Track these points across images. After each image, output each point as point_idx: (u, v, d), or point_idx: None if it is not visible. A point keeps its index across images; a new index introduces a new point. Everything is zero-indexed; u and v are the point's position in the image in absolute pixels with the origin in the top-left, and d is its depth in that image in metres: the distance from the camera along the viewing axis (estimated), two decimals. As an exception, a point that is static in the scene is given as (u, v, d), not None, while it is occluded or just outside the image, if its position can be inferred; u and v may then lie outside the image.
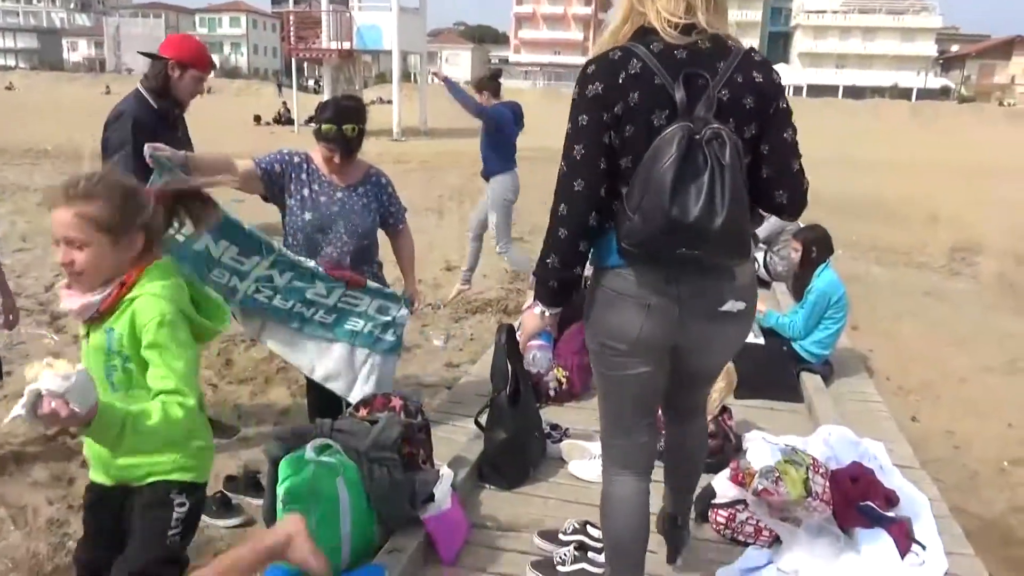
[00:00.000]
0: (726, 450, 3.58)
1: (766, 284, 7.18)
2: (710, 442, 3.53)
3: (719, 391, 3.65)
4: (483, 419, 3.41)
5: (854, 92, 70.04)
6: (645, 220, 1.81)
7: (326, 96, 26.87)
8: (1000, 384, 5.35)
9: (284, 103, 32.56)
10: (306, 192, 3.23)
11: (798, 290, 4.71)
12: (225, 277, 3.04)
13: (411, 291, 3.53)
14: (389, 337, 3.36)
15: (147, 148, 2.69)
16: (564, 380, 4.20)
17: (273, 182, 3.22)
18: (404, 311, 3.39)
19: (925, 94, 70.68)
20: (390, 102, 28.30)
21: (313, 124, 3.23)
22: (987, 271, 9.28)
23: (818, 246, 4.62)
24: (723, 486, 3.03)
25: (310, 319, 3.23)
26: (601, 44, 1.96)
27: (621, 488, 2.20)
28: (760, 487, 2.90)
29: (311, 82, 52.45)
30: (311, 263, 3.16)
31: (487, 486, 3.28)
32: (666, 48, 1.86)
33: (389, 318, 3.34)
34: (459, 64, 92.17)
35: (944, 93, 72.61)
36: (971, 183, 18.44)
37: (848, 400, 4.36)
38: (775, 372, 4.48)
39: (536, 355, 2.28)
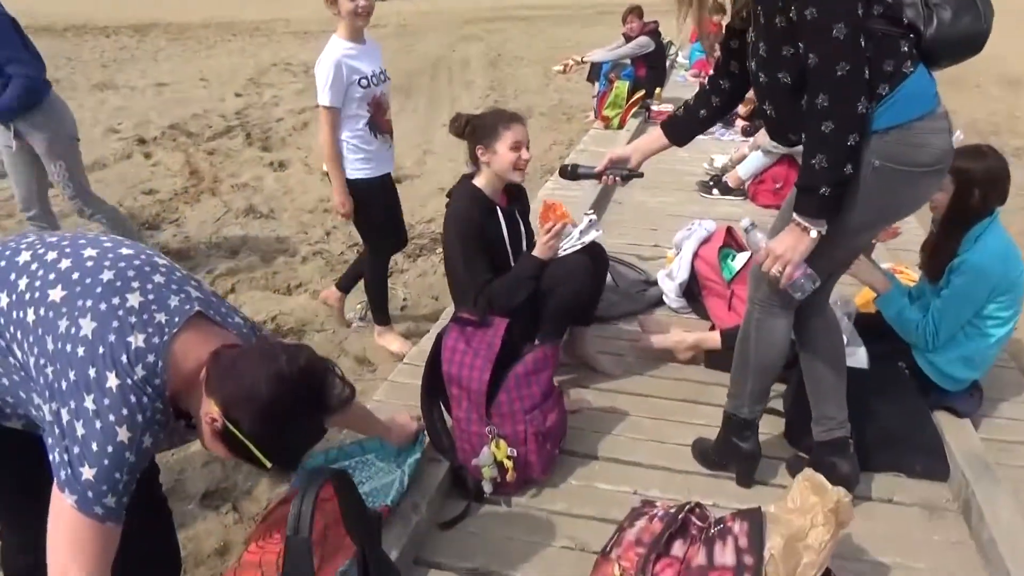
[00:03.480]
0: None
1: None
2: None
3: (816, 549, 1.72)
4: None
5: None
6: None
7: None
8: None
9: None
10: None
11: (934, 263, 2.66)
12: None
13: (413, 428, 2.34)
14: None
15: None
16: (509, 465, 2.26)
17: None
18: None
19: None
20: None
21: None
22: (1113, 158, 7.03)
23: (987, 187, 2.52)
24: None
25: None
26: None
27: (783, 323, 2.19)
28: None
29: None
30: None
31: None
32: None
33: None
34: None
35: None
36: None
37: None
38: (894, 418, 2.52)
39: (802, 281, 1.94)
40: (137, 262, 1.44)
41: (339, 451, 2.28)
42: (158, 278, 1.43)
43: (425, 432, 2.34)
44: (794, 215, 1.87)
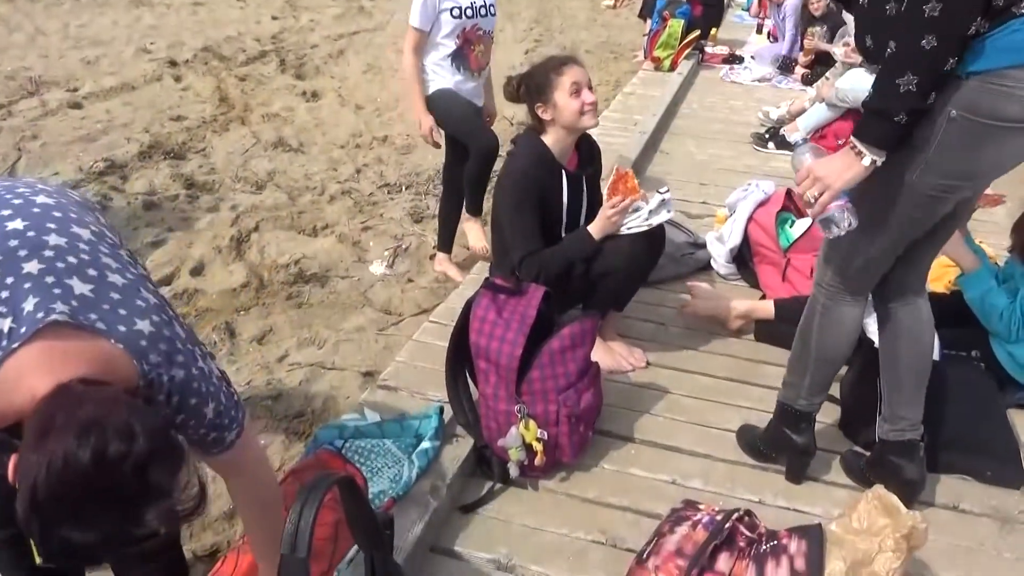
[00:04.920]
0: None
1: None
2: None
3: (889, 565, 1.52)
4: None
5: None
6: None
7: None
8: None
9: None
10: None
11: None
12: None
13: None
14: None
15: None
16: (539, 448, 2.07)
17: None
18: None
19: None
20: None
21: None
22: None
23: None
24: None
25: None
26: None
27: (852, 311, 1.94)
28: None
29: None
30: None
31: None
32: None
33: None
34: None
35: None
36: None
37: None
38: (965, 416, 2.28)
39: (836, 216, 1.64)
40: (14, 243, 1.14)
41: (355, 429, 2.11)
42: (32, 267, 1.12)
43: (443, 416, 2.17)
44: (852, 138, 1.59)
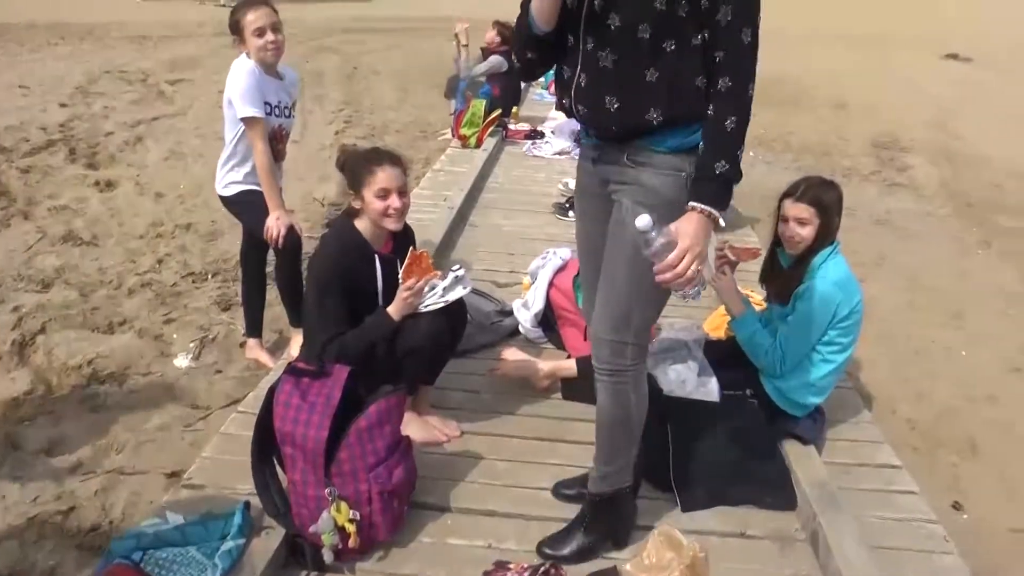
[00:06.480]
0: None
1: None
2: None
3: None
4: None
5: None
6: None
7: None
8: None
9: None
10: None
11: (785, 290, 2.69)
12: None
13: None
14: None
15: None
16: (352, 530, 2.06)
17: None
18: None
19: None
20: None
21: None
22: (926, 178, 7.69)
23: (840, 214, 2.63)
24: None
25: None
26: None
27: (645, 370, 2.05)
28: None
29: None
30: None
31: None
32: None
33: None
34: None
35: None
36: (868, 56, 16.94)
37: (864, 497, 2.48)
38: (744, 451, 2.53)
39: (704, 274, 1.75)
40: None
41: (155, 536, 1.99)
42: None
43: (248, 511, 2.10)
44: (706, 206, 1.70)
